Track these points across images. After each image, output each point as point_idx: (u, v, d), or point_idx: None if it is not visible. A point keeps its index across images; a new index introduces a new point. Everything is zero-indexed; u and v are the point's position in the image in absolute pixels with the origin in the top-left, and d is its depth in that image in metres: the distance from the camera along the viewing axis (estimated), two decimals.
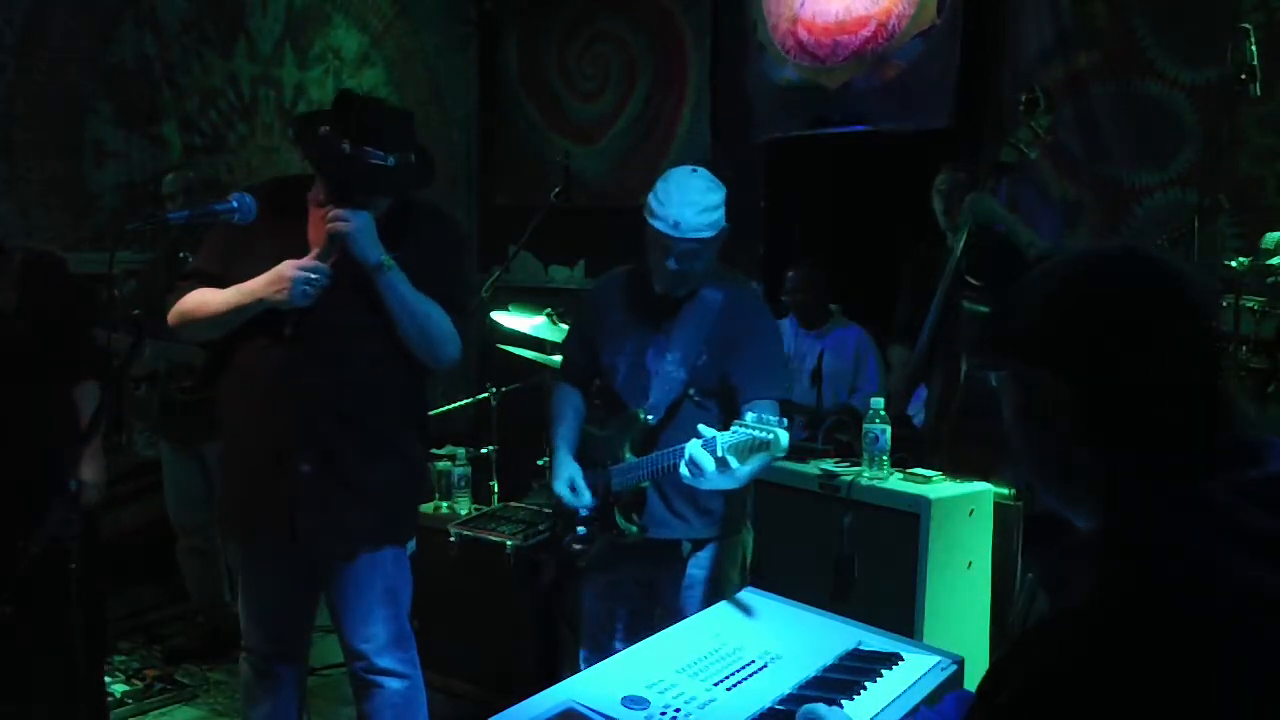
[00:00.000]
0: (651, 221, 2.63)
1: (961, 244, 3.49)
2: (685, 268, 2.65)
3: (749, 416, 2.33)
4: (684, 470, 2.38)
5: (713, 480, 2.35)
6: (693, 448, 2.36)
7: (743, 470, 2.34)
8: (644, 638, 2.88)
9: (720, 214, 2.67)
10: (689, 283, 2.70)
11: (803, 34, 5.11)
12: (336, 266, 2.48)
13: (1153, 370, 1.04)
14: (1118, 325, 1.05)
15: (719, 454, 2.31)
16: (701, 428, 2.39)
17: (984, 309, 3.39)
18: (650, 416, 2.71)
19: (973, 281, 3.45)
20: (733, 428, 2.33)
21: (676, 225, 2.59)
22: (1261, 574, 0.95)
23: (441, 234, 2.73)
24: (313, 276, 2.44)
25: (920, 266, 3.95)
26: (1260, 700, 0.93)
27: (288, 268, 2.45)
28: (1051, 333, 1.08)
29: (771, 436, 2.25)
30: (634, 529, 2.73)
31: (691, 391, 2.72)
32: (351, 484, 2.56)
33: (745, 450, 2.30)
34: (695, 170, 2.69)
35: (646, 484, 2.71)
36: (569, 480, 2.76)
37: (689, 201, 2.61)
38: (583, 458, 2.83)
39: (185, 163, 4.97)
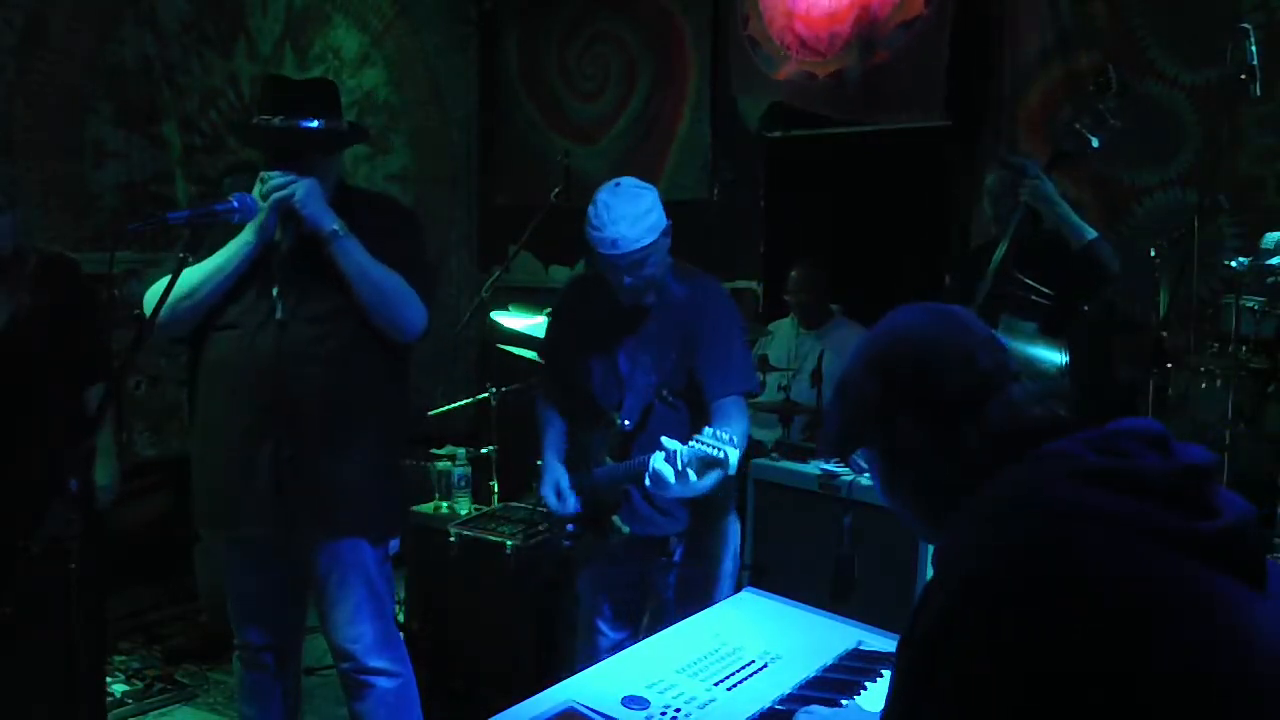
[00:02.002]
0: (595, 249, 2.64)
1: (1010, 234, 3.37)
2: (641, 278, 2.67)
3: (707, 432, 2.38)
4: (647, 481, 2.46)
5: (674, 490, 2.43)
6: (656, 460, 2.42)
7: (700, 484, 2.42)
8: (634, 627, 2.92)
9: (656, 214, 2.66)
10: (651, 287, 2.71)
11: (801, 28, 5.12)
12: (302, 252, 2.56)
13: (965, 385, 1.27)
14: (923, 366, 1.29)
15: (679, 467, 2.38)
16: (664, 440, 2.44)
17: (1026, 323, 3.28)
18: (626, 422, 2.73)
19: (1020, 277, 3.32)
20: (691, 442, 2.39)
21: (615, 244, 2.60)
22: (1093, 497, 1.09)
23: (390, 211, 2.83)
24: (278, 178, 2.51)
25: (966, 267, 3.90)
26: (1109, 603, 1.03)
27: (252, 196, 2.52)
28: (879, 398, 1.31)
29: (722, 455, 2.33)
30: (620, 530, 2.75)
31: (664, 393, 2.75)
32: (332, 471, 2.58)
33: (700, 465, 2.38)
34: (618, 184, 2.69)
35: (629, 486, 2.73)
36: (554, 485, 2.81)
37: (620, 217, 2.60)
38: (570, 461, 2.88)
39: (241, 168, 4.95)
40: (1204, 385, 3.31)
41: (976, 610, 1.05)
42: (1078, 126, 3.27)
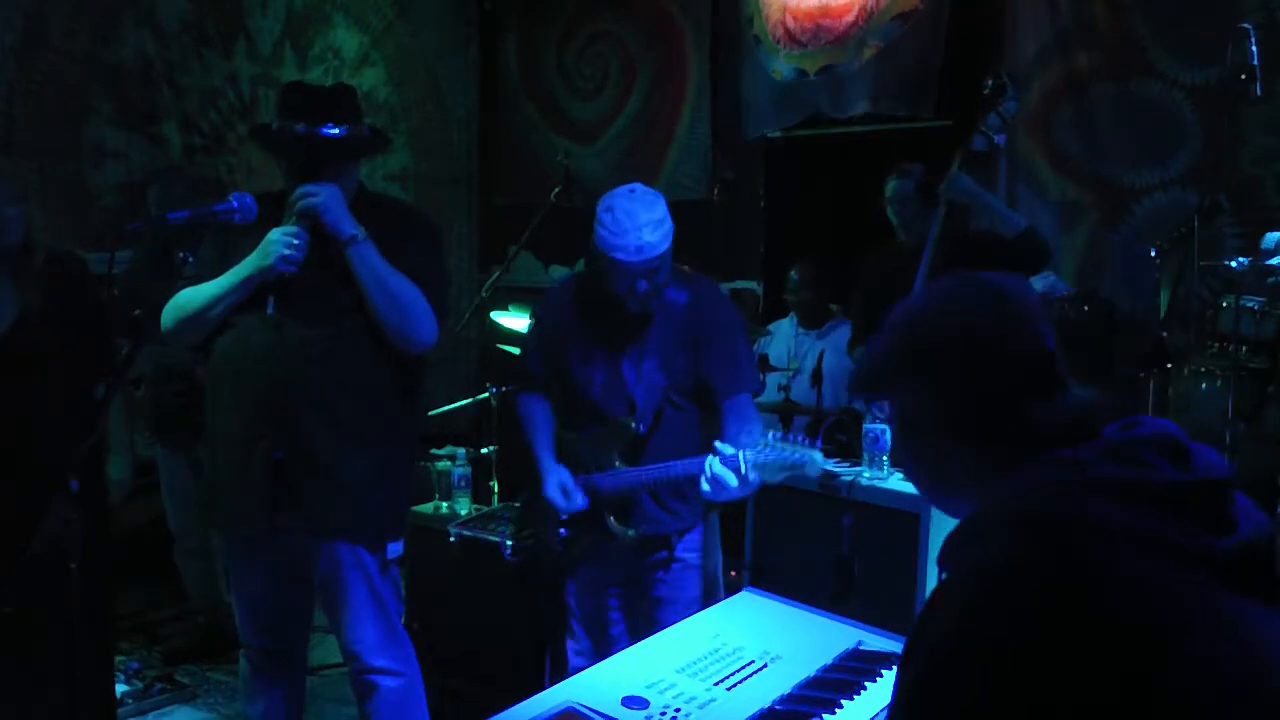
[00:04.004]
0: (612, 255, 2.60)
1: (936, 232, 3.43)
2: (655, 284, 2.67)
3: (771, 437, 2.44)
4: (705, 486, 2.49)
5: (732, 494, 2.48)
6: (715, 466, 2.46)
7: (754, 485, 2.47)
8: (633, 628, 2.92)
9: (669, 221, 2.67)
10: (659, 294, 2.72)
11: (790, 22, 5.13)
12: (313, 251, 2.54)
13: (993, 379, 1.20)
14: (956, 346, 1.23)
15: (743, 472, 2.43)
16: (719, 445, 2.48)
17: None
18: (640, 425, 2.73)
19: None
20: (761, 446, 2.44)
21: (641, 250, 2.58)
22: (1112, 511, 1.06)
23: (408, 219, 2.80)
24: (294, 241, 2.51)
25: (877, 268, 3.96)
26: (1127, 624, 1.01)
27: (272, 233, 2.52)
28: (908, 359, 1.27)
29: (807, 460, 2.40)
30: (629, 532, 2.75)
31: (673, 396, 2.76)
32: (326, 474, 2.57)
33: (775, 469, 2.43)
34: (632, 190, 2.68)
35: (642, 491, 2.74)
36: (559, 484, 2.78)
37: (643, 224, 2.59)
38: (563, 463, 2.86)
39: (165, 175, 4.94)
40: (1204, 385, 3.32)
41: (986, 624, 1.03)
42: (984, 130, 3.42)
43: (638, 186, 2.70)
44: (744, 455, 2.42)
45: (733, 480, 2.43)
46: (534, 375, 2.95)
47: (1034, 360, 1.21)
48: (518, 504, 3.50)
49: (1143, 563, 1.03)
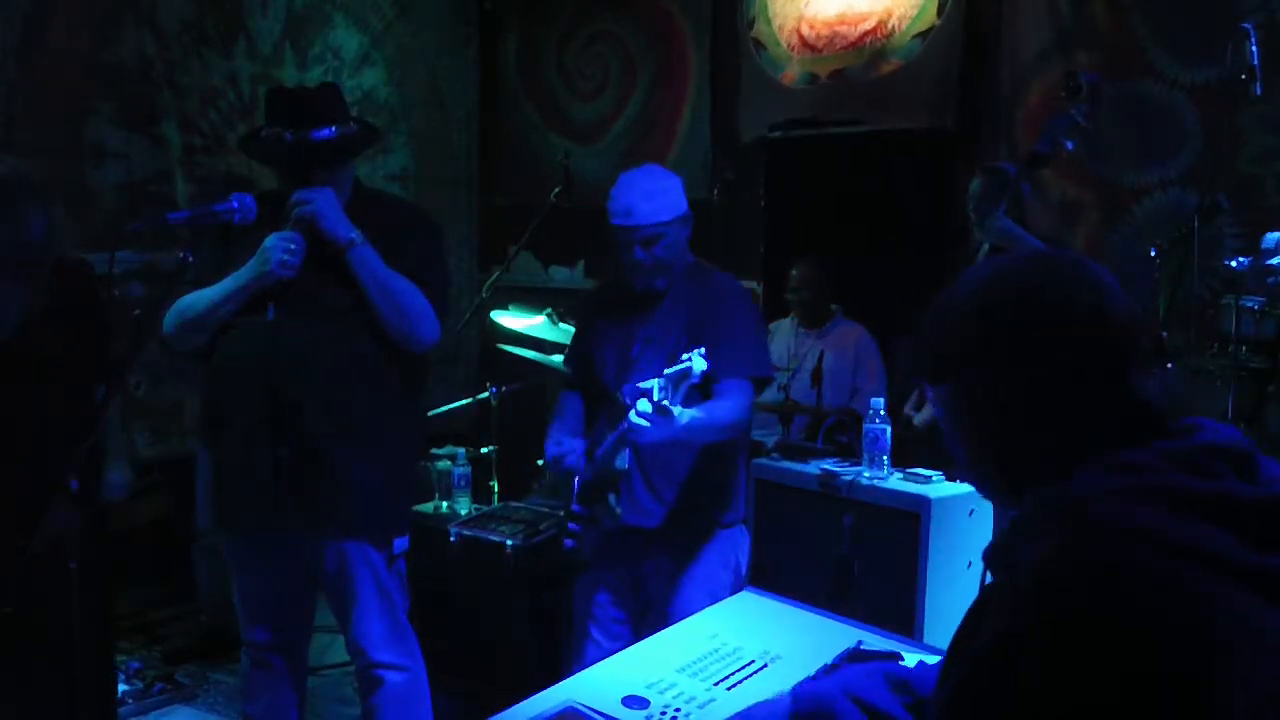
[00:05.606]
0: (610, 221, 2.74)
1: (982, 257, 3.46)
2: (651, 256, 2.71)
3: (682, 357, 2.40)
4: (625, 423, 2.44)
5: (660, 428, 2.39)
6: (640, 403, 2.41)
7: (685, 415, 2.41)
8: (634, 636, 2.91)
9: (674, 197, 2.74)
10: (663, 271, 2.75)
11: (806, 30, 5.14)
12: (311, 251, 2.55)
13: (1073, 361, 1.12)
14: (1040, 324, 1.14)
15: (655, 399, 2.37)
16: (639, 385, 2.44)
17: None
18: (627, 399, 2.73)
19: None
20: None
21: (629, 214, 2.69)
22: (1178, 527, 1.00)
23: (407, 217, 2.81)
24: (291, 247, 2.52)
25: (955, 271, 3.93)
26: (1177, 641, 0.97)
27: (268, 239, 2.53)
28: (983, 336, 1.16)
29: (688, 363, 2.33)
30: (614, 512, 2.74)
31: None
32: (330, 472, 2.58)
33: (672, 387, 2.37)
34: (643, 167, 2.82)
35: (623, 464, 2.73)
36: (556, 440, 2.84)
37: (637, 191, 2.71)
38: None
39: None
40: (1204, 385, 3.31)
41: (1033, 630, 1.00)
42: (1053, 132, 3.30)
43: (654, 165, 2.84)
44: (654, 385, 2.38)
45: (647, 408, 2.38)
46: (569, 374, 3.08)
47: (1129, 330, 1.13)
48: (527, 504, 3.51)
49: (1197, 576, 0.99)
